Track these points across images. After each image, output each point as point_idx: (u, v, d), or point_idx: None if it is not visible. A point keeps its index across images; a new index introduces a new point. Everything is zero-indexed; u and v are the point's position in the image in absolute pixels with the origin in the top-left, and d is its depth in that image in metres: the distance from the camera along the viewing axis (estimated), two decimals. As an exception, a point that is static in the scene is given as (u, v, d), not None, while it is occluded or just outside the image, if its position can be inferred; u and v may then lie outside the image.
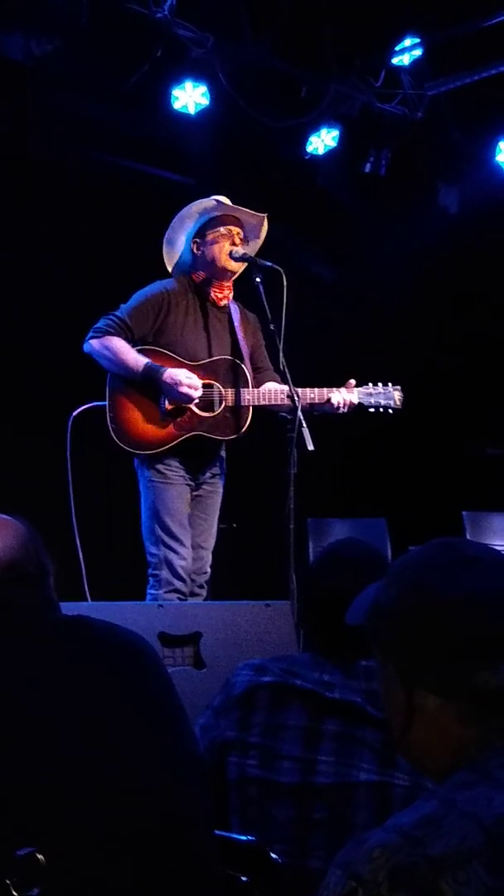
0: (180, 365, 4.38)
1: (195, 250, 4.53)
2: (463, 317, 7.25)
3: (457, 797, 1.29)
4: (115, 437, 4.32)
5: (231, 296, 4.58)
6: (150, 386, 4.33)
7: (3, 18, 5.26)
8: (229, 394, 4.42)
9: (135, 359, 4.32)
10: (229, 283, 4.55)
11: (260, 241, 4.62)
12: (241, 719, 2.28)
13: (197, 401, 4.33)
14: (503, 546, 5.74)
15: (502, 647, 1.37)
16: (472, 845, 1.21)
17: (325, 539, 5.72)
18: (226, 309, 4.57)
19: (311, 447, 4.25)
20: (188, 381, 4.31)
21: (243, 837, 2.05)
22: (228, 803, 2.26)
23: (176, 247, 4.60)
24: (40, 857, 1.52)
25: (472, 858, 1.20)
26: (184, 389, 4.29)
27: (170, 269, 4.62)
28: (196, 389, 4.32)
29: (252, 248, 4.57)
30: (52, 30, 5.30)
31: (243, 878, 1.90)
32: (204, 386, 4.38)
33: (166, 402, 4.34)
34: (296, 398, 4.31)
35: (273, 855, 1.96)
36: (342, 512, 6.37)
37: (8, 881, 1.50)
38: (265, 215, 4.57)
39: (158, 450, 4.34)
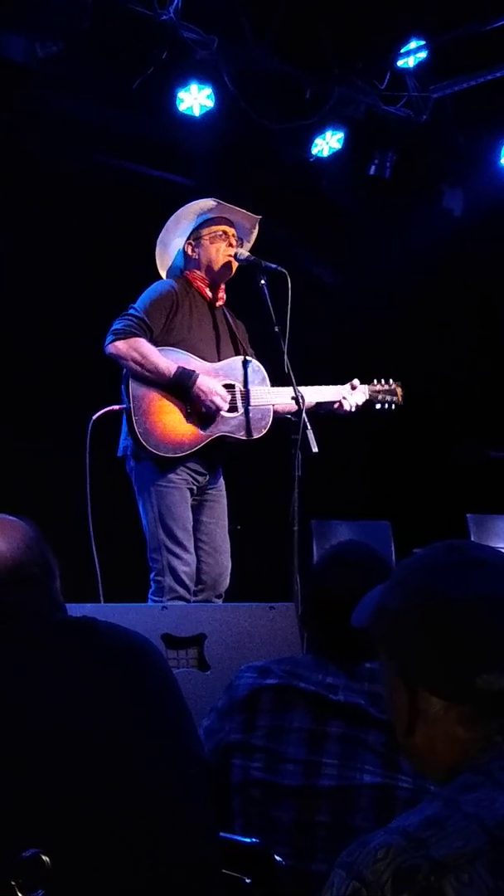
0: (201, 365, 4.35)
1: (190, 251, 4.51)
2: (467, 319, 7.25)
3: (460, 799, 1.29)
4: (141, 440, 4.21)
5: (225, 298, 4.58)
6: (175, 389, 4.28)
7: (7, 20, 5.26)
8: (250, 393, 4.42)
9: (166, 363, 4.26)
10: (223, 285, 4.55)
11: (250, 244, 4.61)
12: (244, 722, 2.29)
13: (225, 407, 4.32)
14: (507, 548, 5.73)
15: (506, 650, 1.37)
16: (475, 847, 1.21)
17: (330, 541, 5.71)
18: (221, 310, 4.57)
19: (315, 449, 4.26)
20: (220, 391, 4.29)
21: (247, 839, 2.05)
22: (232, 805, 2.26)
23: (170, 249, 4.57)
24: (45, 858, 1.52)
25: (475, 860, 1.20)
26: (216, 399, 4.27)
27: (163, 274, 4.59)
28: (225, 401, 4.31)
29: (243, 251, 4.56)
30: (56, 32, 5.28)
31: (247, 880, 1.90)
32: (225, 387, 4.37)
33: (190, 406, 4.31)
34: (300, 400, 4.31)
35: (276, 857, 1.97)
36: (346, 514, 6.36)
37: (13, 882, 1.50)
38: (259, 217, 4.57)
39: (186, 453, 4.28)
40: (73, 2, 5.18)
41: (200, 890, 1.74)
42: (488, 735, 1.38)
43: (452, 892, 1.18)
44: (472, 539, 5.92)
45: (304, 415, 4.28)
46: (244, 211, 4.53)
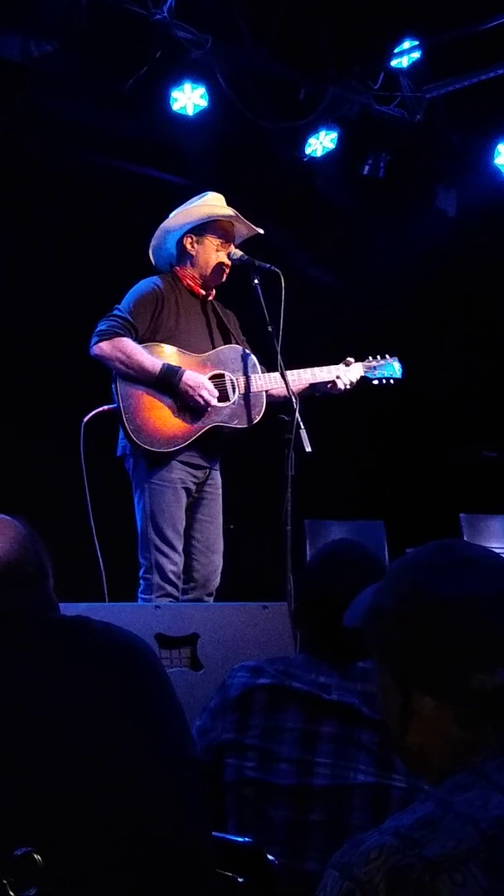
0: (189, 358, 4.36)
1: (188, 246, 4.49)
2: (460, 320, 7.25)
3: (454, 799, 1.29)
4: (134, 438, 4.21)
5: (214, 294, 4.59)
6: (162, 386, 4.28)
7: (2, 19, 5.25)
8: (241, 381, 4.41)
9: (151, 361, 4.26)
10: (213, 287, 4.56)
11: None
12: (238, 721, 2.29)
13: (213, 401, 4.32)
14: (501, 548, 5.74)
15: (499, 650, 1.37)
16: (469, 847, 1.21)
17: (323, 541, 5.70)
18: (210, 303, 4.58)
19: (308, 449, 4.25)
20: (207, 384, 4.29)
21: (240, 839, 2.05)
22: (225, 805, 2.26)
23: (169, 238, 4.54)
24: (37, 856, 1.52)
25: (469, 860, 1.20)
26: (204, 394, 4.26)
27: (153, 259, 4.57)
28: (213, 395, 4.30)
29: (236, 250, 4.56)
30: (50, 31, 5.28)
31: (240, 880, 1.90)
32: (214, 377, 4.37)
33: (179, 401, 4.30)
34: (293, 400, 4.30)
35: (269, 856, 1.96)
36: (340, 514, 6.36)
37: (5, 881, 1.50)
38: (260, 231, 4.56)
39: (180, 446, 4.28)
40: (68, 1, 5.18)
41: (193, 889, 1.74)
42: (482, 735, 1.38)
43: (446, 891, 1.18)
44: (465, 539, 5.92)
45: (297, 414, 4.28)
46: (249, 223, 4.52)
